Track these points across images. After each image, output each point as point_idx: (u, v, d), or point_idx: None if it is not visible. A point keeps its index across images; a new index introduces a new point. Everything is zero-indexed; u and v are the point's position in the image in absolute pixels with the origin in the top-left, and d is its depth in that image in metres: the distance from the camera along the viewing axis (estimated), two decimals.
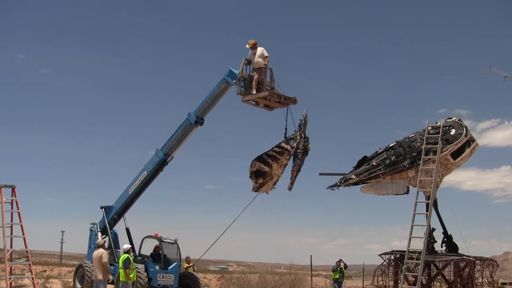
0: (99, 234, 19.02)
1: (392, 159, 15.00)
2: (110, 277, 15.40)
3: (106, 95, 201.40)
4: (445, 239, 14.95)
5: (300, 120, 14.30)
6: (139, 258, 18.00)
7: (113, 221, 19.39)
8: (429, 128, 14.68)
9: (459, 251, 14.80)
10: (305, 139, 14.14)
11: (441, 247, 14.95)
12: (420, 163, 14.32)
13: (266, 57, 14.52)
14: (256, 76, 14.37)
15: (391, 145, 15.38)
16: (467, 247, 14.86)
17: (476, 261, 14.54)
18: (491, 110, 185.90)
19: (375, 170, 15.24)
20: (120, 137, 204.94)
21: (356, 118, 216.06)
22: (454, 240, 14.98)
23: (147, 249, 18.92)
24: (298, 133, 14.10)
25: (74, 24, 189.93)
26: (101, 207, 19.47)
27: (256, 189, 14.81)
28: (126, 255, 15.04)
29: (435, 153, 14.20)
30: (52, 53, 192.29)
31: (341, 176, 16.16)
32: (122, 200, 19.09)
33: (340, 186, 16.08)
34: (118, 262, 18.59)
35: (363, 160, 15.87)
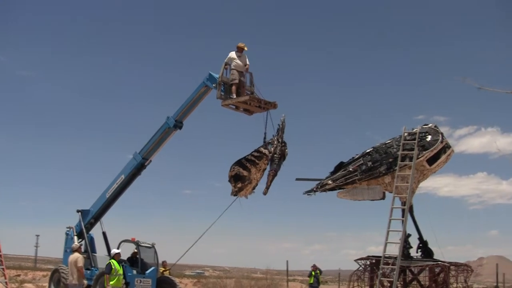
0: (75, 238, 18.87)
1: (369, 165, 15.06)
2: (85, 281, 15.21)
3: (84, 98, 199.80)
4: (420, 245, 15.01)
5: (278, 125, 14.31)
6: None
7: (90, 225, 19.26)
8: (405, 134, 14.76)
9: (435, 257, 14.86)
10: (283, 144, 14.15)
11: (417, 252, 14.99)
12: (396, 169, 14.39)
13: (247, 64, 14.61)
14: (237, 80, 14.36)
15: (367, 151, 15.44)
16: (443, 252, 14.95)
17: (451, 267, 14.59)
18: (468, 117, 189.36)
19: (352, 175, 15.28)
20: (97, 141, 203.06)
21: (334, 123, 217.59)
22: (429, 245, 15.06)
23: (124, 253, 18.80)
24: (275, 138, 14.11)
25: (54, 26, 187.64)
26: (78, 211, 19.32)
27: (235, 193, 14.81)
28: (111, 260, 14.75)
29: (411, 159, 14.27)
30: (32, 56, 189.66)
31: (318, 182, 16.17)
32: (99, 204, 18.98)
33: (317, 191, 16.07)
34: (95, 267, 18.39)
35: (340, 166, 15.91)
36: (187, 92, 16.60)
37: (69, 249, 17.83)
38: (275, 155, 13.95)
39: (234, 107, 14.55)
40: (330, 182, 15.75)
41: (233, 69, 14.47)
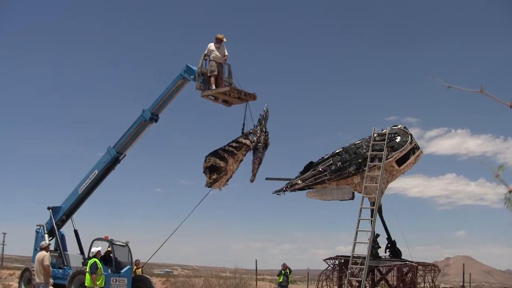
0: (46, 236, 18.58)
1: (338, 165, 15.14)
2: (51, 280, 14.99)
3: (53, 94, 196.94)
4: (389, 245, 15.17)
5: (260, 115, 14.43)
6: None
7: (61, 222, 19.00)
8: (375, 135, 14.88)
9: (403, 257, 15.05)
10: (266, 133, 14.23)
11: (385, 252, 15.18)
12: (365, 170, 14.49)
13: (225, 55, 14.71)
14: (215, 71, 14.37)
15: (337, 151, 15.55)
16: (411, 252, 15.16)
17: (419, 267, 14.77)
18: (439, 119, 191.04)
19: (321, 175, 15.36)
20: (67, 137, 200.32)
21: (305, 123, 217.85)
22: (397, 245, 15.21)
23: None
24: (258, 128, 14.20)
25: (20, 21, 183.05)
26: (48, 208, 19.02)
27: (210, 184, 14.84)
28: (94, 259, 14.53)
29: (380, 159, 14.40)
30: None
31: (287, 181, 16.23)
32: (71, 200, 18.73)
33: (286, 191, 16.15)
34: (68, 265, 18.14)
35: (310, 166, 15.98)
36: (160, 86, 16.52)
37: (39, 248, 17.60)
38: (259, 144, 14.02)
39: (213, 98, 14.64)
40: (299, 182, 15.80)
41: (212, 60, 14.53)
